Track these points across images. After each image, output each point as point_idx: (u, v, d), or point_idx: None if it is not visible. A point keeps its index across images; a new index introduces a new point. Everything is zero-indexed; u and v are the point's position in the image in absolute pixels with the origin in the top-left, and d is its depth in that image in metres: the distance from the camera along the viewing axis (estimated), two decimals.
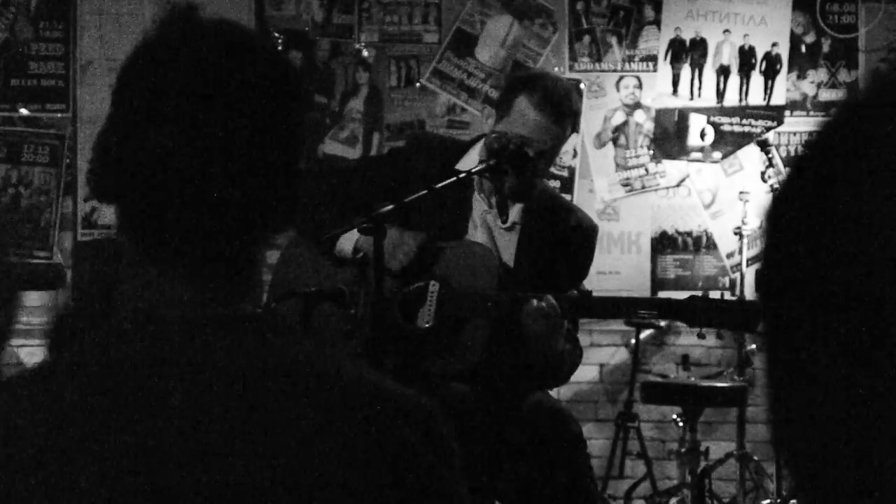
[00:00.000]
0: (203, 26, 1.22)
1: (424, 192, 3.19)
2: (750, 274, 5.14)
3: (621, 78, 5.61)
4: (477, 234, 3.40)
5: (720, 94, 5.61)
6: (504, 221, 3.36)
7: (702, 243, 5.57)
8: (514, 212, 3.43)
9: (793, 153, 5.61)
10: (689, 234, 5.58)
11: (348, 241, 3.32)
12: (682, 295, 3.39)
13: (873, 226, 0.59)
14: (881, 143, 0.61)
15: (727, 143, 5.60)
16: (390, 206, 3.04)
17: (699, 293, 3.25)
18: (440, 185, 3.18)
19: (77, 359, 1.18)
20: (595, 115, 5.60)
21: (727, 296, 3.39)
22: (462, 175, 3.19)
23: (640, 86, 5.61)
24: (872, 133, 0.62)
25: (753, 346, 5.20)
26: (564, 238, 3.41)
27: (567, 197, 5.47)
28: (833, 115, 0.65)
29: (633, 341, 5.31)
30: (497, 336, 3.27)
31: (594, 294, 3.30)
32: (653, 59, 5.62)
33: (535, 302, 3.15)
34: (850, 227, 0.60)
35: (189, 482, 1.10)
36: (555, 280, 3.28)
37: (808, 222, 0.63)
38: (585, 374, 5.55)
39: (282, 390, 1.13)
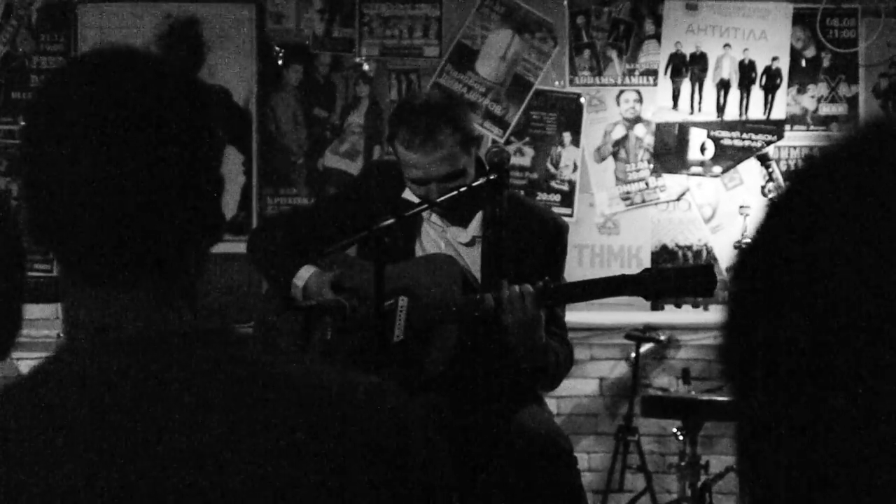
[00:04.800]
0: (101, 56, 1.24)
1: (425, 206, 3.20)
2: None
3: (621, 92, 5.62)
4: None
5: (720, 109, 5.62)
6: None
7: (702, 257, 5.57)
8: (474, 226, 3.42)
9: (793, 167, 5.61)
10: (689, 248, 5.58)
11: (296, 289, 3.32)
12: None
13: (839, 282, 0.62)
14: (850, 201, 0.63)
15: (727, 157, 5.60)
16: (391, 220, 3.05)
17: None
18: (440, 199, 3.20)
19: (43, 379, 1.19)
20: (595, 129, 5.60)
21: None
22: (463, 189, 3.20)
23: (640, 100, 5.61)
24: (842, 192, 0.64)
25: None
26: (530, 245, 3.38)
27: (566, 210, 5.48)
28: (804, 167, 0.68)
29: (632, 355, 5.31)
30: (469, 339, 3.27)
31: (552, 285, 3.25)
32: (653, 73, 5.62)
33: (507, 291, 3.14)
34: (816, 282, 0.63)
35: (157, 496, 1.10)
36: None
37: (776, 277, 0.66)
38: (585, 387, 5.54)
39: (242, 399, 1.14)
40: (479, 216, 3.39)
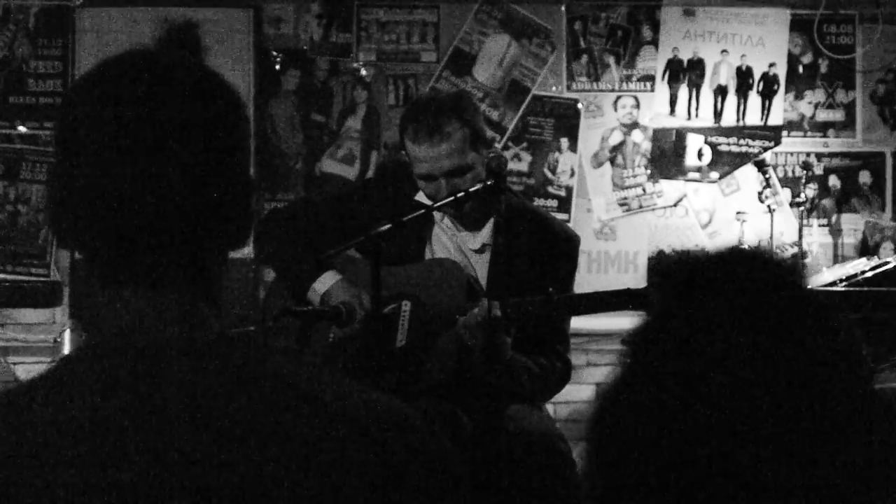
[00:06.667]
0: (134, 58, 1.25)
1: (422, 210, 3.20)
2: None
3: (619, 98, 5.62)
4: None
5: (717, 114, 5.62)
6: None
7: None
8: (485, 233, 3.41)
9: (790, 174, 5.62)
10: None
11: (315, 294, 3.31)
12: None
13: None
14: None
15: (724, 163, 5.61)
16: (388, 226, 3.04)
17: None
18: (438, 203, 3.20)
19: (59, 379, 1.19)
20: (592, 134, 5.61)
21: None
22: (460, 195, 3.19)
23: (637, 106, 5.62)
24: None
25: None
26: (539, 255, 3.37)
27: (564, 216, 5.48)
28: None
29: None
30: (468, 347, 3.27)
31: (556, 297, 3.23)
32: (650, 79, 5.63)
33: (470, 312, 3.15)
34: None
35: (167, 499, 1.10)
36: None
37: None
38: (581, 393, 5.54)
39: (257, 409, 1.14)
40: (490, 223, 3.39)
